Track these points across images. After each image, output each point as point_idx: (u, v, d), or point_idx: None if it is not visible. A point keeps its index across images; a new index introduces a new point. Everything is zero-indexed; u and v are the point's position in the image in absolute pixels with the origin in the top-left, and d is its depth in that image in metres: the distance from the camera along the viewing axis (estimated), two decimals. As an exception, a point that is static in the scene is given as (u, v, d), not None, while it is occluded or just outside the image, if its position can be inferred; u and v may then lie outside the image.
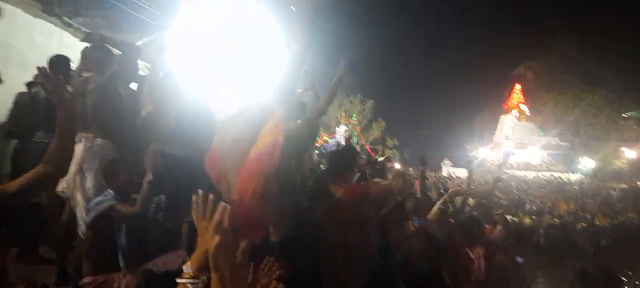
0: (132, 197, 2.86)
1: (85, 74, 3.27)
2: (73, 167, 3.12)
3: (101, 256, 2.81)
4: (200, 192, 1.46)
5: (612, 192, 24.60)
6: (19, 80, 4.44)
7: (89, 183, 3.13)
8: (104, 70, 3.26)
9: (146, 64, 3.85)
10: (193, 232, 3.13)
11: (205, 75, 2.97)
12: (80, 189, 3.14)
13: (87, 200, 3.11)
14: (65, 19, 8.40)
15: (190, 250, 2.88)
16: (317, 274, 2.92)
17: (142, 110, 3.31)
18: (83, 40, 3.51)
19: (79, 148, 3.15)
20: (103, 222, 2.79)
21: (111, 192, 2.89)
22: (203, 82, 3.00)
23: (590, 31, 40.06)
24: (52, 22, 8.28)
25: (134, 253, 2.81)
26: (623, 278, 2.28)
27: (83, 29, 8.13)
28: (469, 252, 3.30)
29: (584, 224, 14.07)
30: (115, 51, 3.63)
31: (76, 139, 3.19)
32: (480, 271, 3.18)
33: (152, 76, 3.49)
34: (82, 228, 3.12)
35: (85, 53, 3.41)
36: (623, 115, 37.42)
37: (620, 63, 36.96)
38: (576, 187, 26.46)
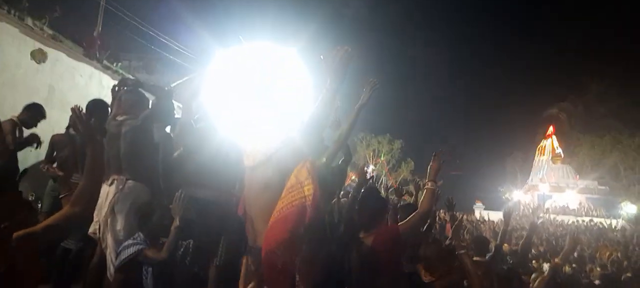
0: (161, 241, 2.84)
1: (119, 118, 3.35)
2: (105, 209, 3.15)
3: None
4: None
5: (657, 239, 23.28)
6: (60, 121, 4.60)
7: (120, 225, 3.14)
8: (138, 113, 3.33)
9: (179, 106, 3.91)
10: (221, 277, 3.09)
11: (236, 119, 2.98)
12: (111, 231, 3.15)
13: (118, 242, 3.11)
14: (105, 62, 8.80)
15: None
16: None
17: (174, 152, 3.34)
18: (118, 84, 3.61)
19: (111, 190, 3.18)
20: (131, 265, 2.77)
21: (141, 235, 2.89)
22: (234, 126, 3.00)
23: (627, 73, 39.17)
24: (92, 65, 8.69)
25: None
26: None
27: (121, 71, 8.47)
28: None
29: (629, 275, 13.22)
30: (149, 95, 3.71)
31: (108, 181, 3.24)
32: None
33: (184, 118, 3.53)
34: (110, 270, 3.10)
35: (119, 96, 3.50)
36: (665, 158, 35.87)
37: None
38: (618, 234, 25.16)
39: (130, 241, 2.84)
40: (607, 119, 38.42)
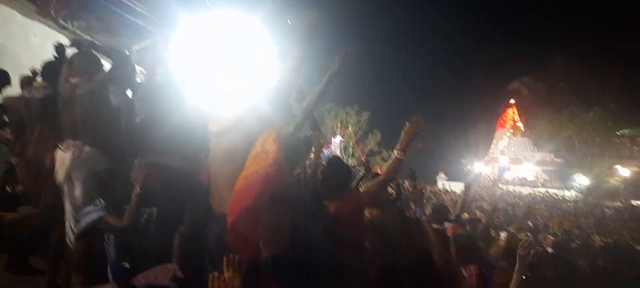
0: (124, 208, 2.79)
1: (72, 80, 3.18)
2: (61, 175, 3.04)
3: (90, 268, 2.73)
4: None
5: (606, 210, 24.70)
6: (14, 82, 4.38)
7: (78, 192, 3.05)
8: (92, 77, 3.17)
9: (142, 70, 3.78)
10: (185, 245, 3.08)
11: (201, 85, 2.92)
12: (69, 198, 3.05)
13: (76, 209, 3.03)
14: (62, 22, 8.36)
15: (182, 264, 2.82)
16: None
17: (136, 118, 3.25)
18: (70, 45, 3.40)
19: (67, 156, 3.07)
20: (92, 233, 2.72)
21: (102, 201, 2.82)
22: (198, 92, 2.95)
23: (586, 50, 40.58)
24: (47, 25, 8.24)
25: (123, 266, 2.74)
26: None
27: (79, 32, 8.10)
28: (463, 270, 3.25)
29: (578, 242, 14.03)
30: (105, 59, 3.55)
31: (63, 147, 3.12)
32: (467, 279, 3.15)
33: (147, 83, 3.43)
34: (69, 236, 3.03)
35: (72, 59, 3.32)
36: (617, 133, 37.71)
37: (615, 82, 37.42)
38: (571, 204, 26.54)
39: (90, 208, 2.77)
40: (565, 93, 39.85)
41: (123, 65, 3.31)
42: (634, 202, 28.48)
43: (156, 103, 3.18)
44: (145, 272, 2.68)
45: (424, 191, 5.84)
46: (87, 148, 3.08)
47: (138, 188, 2.76)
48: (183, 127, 2.98)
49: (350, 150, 43.73)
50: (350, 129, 43.48)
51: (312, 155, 3.73)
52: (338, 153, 40.51)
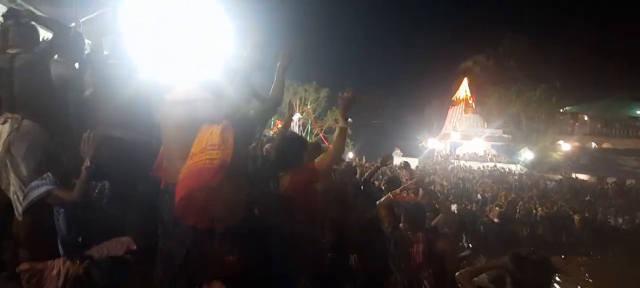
0: (73, 182, 2.73)
1: (10, 51, 3.04)
2: (1, 150, 2.94)
3: (39, 242, 2.68)
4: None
5: (548, 182, 26.21)
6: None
7: (23, 167, 2.96)
8: (31, 48, 3.04)
9: (89, 43, 3.65)
10: (138, 218, 3.07)
11: (153, 57, 2.88)
12: (14, 172, 2.96)
13: (24, 183, 2.95)
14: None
15: (136, 236, 2.82)
16: (264, 264, 2.93)
17: (84, 91, 3.17)
18: (7, 15, 3.22)
19: (5, 130, 2.96)
20: (40, 207, 2.66)
21: (50, 175, 2.75)
22: (151, 64, 2.91)
23: (534, 28, 42.28)
24: (-14, -6, 7.70)
25: (75, 240, 2.71)
26: (556, 265, 2.46)
27: (20, 2, 7.61)
28: (410, 234, 3.42)
29: (522, 213, 14.86)
30: (45, 29, 3.40)
31: (1, 120, 3.01)
32: (418, 255, 3.32)
33: (95, 56, 3.34)
34: (17, 210, 2.96)
35: (8, 29, 3.16)
36: (560, 110, 39.75)
37: (559, 61, 39.30)
38: (516, 178, 27.91)
39: (37, 181, 2.69)
40: (514, 71, 41.40)
41: (64, 36, 3.19)
42: (574, 175, 30.38)
43: (105, 75, 3.10)
44: (98, 245, 2.67)
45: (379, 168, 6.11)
46: (25, 122, 2.98)
47: (88, 162, 2.70)
48: (134, 99, 2.94)
49: (309, 127, 43.84)
50: (309, 106, 43.47)
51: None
52: (296, 130, 40.61)
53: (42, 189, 2.65)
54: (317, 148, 4.14)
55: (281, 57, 3.01)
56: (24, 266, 2.58)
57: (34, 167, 2.95)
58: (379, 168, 6.81)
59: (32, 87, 3.00)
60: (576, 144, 38.12)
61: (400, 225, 3.43)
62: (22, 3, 7.50)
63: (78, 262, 2.45)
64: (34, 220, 2.65)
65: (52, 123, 3.07)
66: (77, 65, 3.45)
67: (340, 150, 3.12)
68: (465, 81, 49.05)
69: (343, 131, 3.07)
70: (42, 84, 3.03)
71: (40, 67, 3.01)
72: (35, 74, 3.00)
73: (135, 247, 2.68)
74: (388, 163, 5.40)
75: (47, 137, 3.02)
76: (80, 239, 2.76)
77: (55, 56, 3.30)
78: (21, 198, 2.88)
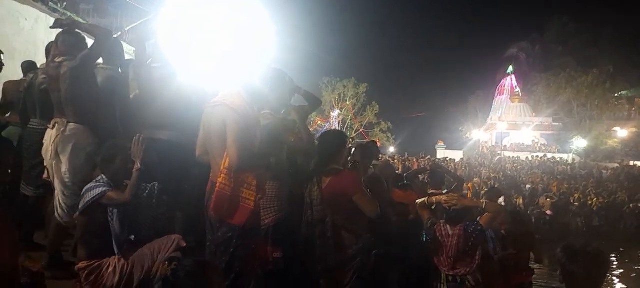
0: (125, 183, 2.85)
1: (57, 60, 3.24)
2: (49, 152, 3.13)
3: (95, 241, 2.81)
4: None
5: (603, 171, 24.89)
6: (6, 67, 4.39)
7: (64, 168, 3.14)
8: (76, 55, 3.22)
9: (133, 48, 3.80)
10: (187, 217, 3.16)
11: (194, 60, 2.95)
12: (57, 174, 3.15)
13: (64, 184, 3.15)
14: (51, 4, 8.26)
15: (185, 234, 2.91)
16: (307, 258, 2.95)
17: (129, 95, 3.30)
18: (53, 26, 3.43)
19: (53, 133, 3.15)
20: (96, 207, 2.79)
21: (104, 177, 2.89)
22: (192, 67, 2.98)
23: (582, 12, 40.24)
24: (37, 8, 8.15)
25: (128, 239, 2.83)
26: (610, 257, 2.33)
27: (69, 13, 8.01)
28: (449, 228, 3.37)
29: (577, 204, 14.22)
30: (89, 37, 3.58)
31: (51, 125, 3.21)
32: (452, 248, 3.25)
33: (139, 60, 3.46)
34: (58, 212, 3.15)
35: (57, 39, 3.37)
36: (615, 95, 37.66)
37: (611, 44, 37.17)
38: (568, 168, 26.70)
39: (92, 184, 2.83)
40: (563, 57, 39.54)
41: (105, 42, 3.34)
42: (632, 163, 28.70)
43: (149, 79, 3.22)
44: (149, 243, 2.77)
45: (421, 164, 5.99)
46: (71, 125, 3.16)
47: (138, 164, 2.82)
48: (181, 102, 3.03)
49: (349, 123, 43.74)
50: (348, 102, 43.37)
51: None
52: (336, 127, 40.64)
53: (97, 191, 2.78)
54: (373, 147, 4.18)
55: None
56: (82, 264, 2.72)
57: (78, 168, 3.13)
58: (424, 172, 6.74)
59: (77, 92, 3.18)
60: (633, 129, 36.00)
61: (441, 221, 3.37)
62: (71, 14, 7.90)
63: (166, 263, 2.56)
64: (89, 221, 2.78)
65: (98, 126, 3.23)
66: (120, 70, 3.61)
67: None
68: (510, 69, 47.42)
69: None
70: (85, 88, 3.19)
71: (83, 72, 3.18)
72: (78, 78, 3.17)
73: (184, 244, 2.77)
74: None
75: (94, 140, 3.18)
76: (132, 237, 2.88)
77: (100, 61, 3.46)
78: (62, 199, 3.08)
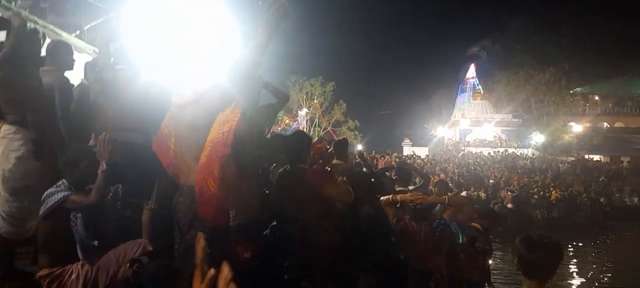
0: (88, 188, 2.78)
1: None
2: None
3: (58, 248, 2.73)
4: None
5: (560, 165, 25.98)
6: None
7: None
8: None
9: (95, 49, 3.69)
10: (154, 220, 3.11)
11: (160, 60, 2.90)
12: None
13: (7, 190, 3.07)
14: (3, 2, 7.87)
15: (151, 238, 2.86)
16: (280, 256, 2.95)
17: (88, 96, 3.21)
18: None
19: None
20: (58, 212, 2.71)
21: (64, 182, 2.80)
22: (158, 67, 2.93)
23: (541, 11, 41.78)
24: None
25: (92, 244, 2.76)
26: (566, 247, 2.48)
27: (22, 11, 7.65)
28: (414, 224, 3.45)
29: (536, 197, 14.76)
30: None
31: None
32: (420, 242, 3.35)
33: (102, 62, 3.38)
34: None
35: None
36: (570, 91, 39.30)
37: (567, 42, 38.77)
38: (528, 162, 27.70)
39: (53, 189, 2.74)
40: (522, 55, 40.92)
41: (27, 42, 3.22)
42: (587, 156, 30.08)
43: (113, 80, 3.14)
44: (115, 248, 2.71)
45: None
46: (4, 127, 3.06)
47: (104, 165, 2.74)
48: (144, 103, 2.97)
49: (317, 121, 43.89)
50: (315, 100, 43.51)
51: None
52: (304, 125, 40.68)
53: (59, 195, 2.69)
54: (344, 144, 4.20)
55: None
56: (44, 272, 2.63)
57: (7, 172, 3.05)
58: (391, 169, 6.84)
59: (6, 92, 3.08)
60: (588, 124, 37.78)
61: (406, 217, 3.46)
62: (26, 14, 7.56)
63: (128, 265, 2.49)
64: (52, 227, 2.69)
65: (35, 128, 3.11)
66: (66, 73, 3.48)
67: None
68: (472, 67, 48.68)
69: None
70: (13, 87, 3.08)
71: (8, 71, 3.05)
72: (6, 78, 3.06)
73: (151, 248, 2.72)
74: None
75: (27, 143, 3.08)
76: (96, 242, 2.81)
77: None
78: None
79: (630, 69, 40.30)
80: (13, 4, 7.96)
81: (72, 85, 3.44)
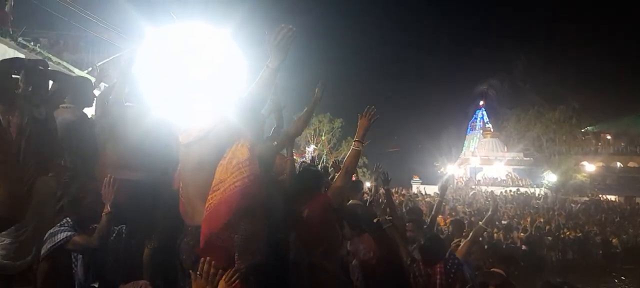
0: (91, 227, 2.71)
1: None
2: None
3: (57, 288, 2.64)
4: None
5: (573, 205, 25.48)
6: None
7: None
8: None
9: (105, 85, 3.69)
10: (156, 261, 3.01)
11: (169, 97, 2.88)
12: None
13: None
14: (21, 40, 8.06)
15: (153, 279, 2.76)
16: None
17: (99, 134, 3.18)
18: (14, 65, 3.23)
19: None
20: (59, 253, 2.63)
21: (69, 221, 2.74)
22: (166, 105, 2.90)
23: (548, 51, 42.09)
24: (5, 44, 7.93)
25: (92, 286, 2.66)
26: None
27: (38, 49, 7.83)
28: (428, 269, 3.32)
29: (550, 238, 14.41)
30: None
31: None
32: (435, 286, 3.22)
33: (113, 99, 3.36)
34: None
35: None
36: (581, 130, 38.98)
37: (578, 81, 38.79)
38: (541, 201, 27.21)
39: (56, 228, 2.68)
40: (531, 94, 40.92)
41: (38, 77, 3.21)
42: (601, 196, 29.51)
43: (121, 117, 3.11)
44: (115, 289, 2.62)
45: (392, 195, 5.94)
46: None
47: (109, 207, 2.68)
48: (150, 141, 2.93)
49: (324, 157, 43.81)
50: (323, 136, 43.56)
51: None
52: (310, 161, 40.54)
53: (62, 235, 2.63)
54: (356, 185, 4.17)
55: (319, 88, 3.10)
56: (42, 314, 2.54)
57: None
58: (390, 193, 6.71)
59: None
60: (601, 164, 37.24)
61: (419, 260, 3.34)
62: (41, 51, 7.72)
63: None
64: (52, 267, 2.62)
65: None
66: (85, 110, 3.46)
67: (350, 172, 3.08)
68: (481, 105, 48.72)
69: (356, 153, 3.09)
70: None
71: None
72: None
73: (152, 290, 2.62)
74: (389, 180, 5.33)
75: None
76: (97, 285, 2.72)
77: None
78: None
79: (638, 108, 40.09)
80: (30, 43, 8.17)
81: (91, 123, 3.42)
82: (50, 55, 6.72)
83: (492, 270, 3.96)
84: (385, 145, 50.31)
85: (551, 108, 37.10)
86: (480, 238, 4.11)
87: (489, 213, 4.55)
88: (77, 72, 6.09)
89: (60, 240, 2.62)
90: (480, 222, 4.53)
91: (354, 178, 5.20)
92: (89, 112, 3.56)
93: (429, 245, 3.41)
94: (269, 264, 2.75)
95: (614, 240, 14.61)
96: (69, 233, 2.65)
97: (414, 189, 35.33)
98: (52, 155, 3.03)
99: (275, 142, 3.02)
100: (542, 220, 17.79)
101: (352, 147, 3.13)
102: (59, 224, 2.74)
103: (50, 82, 3.25)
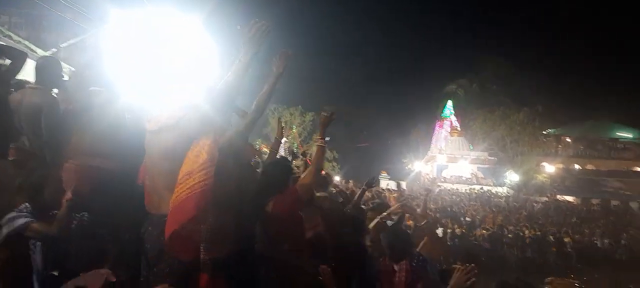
0: (51, 213, 2.62)
1: None
2: None
3: (13, 278, 2.55)
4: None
5: (534, 204, 26.41)
6: None
7: None
8: None
9: (71, 69, 3.56)
10: (122, 250, 2.95)
11: (137, 84, 2.81)
12: None
13: None
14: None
15: (116, 268, 2.70)
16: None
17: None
18: None
19: None
20: (17, 240, 2.53)
21: (28, 206, 2.64)
22: (133, 90, 2.84)
23: (515, 53, 43.28)
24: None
25: (51, 275, 2.58)
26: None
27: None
28: (394, 265, 3.37)
29: (510, 236, 14.87)
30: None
31: None
32: (401, 283, 3.27)
33: (77, 84, 3.26)
34: None
35: None
36: (543, 132, 40.35)
37: (543, 85, 40.15)
38: (503, 200, 28.04)
39: (14, 213, 2.58)
40: (498, 95, 42.06)
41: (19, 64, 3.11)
42: (559, 197, 30.69)
43: (85, 103, 3.01)
44: (75, 279, 2.54)
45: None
46: None
47: (70, 194, 2.59)
48: (115, 127, 2.86)
49: (295, 150, 43.75)
50: (294, 129, 43.49)
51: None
52: (281, 154, 40.42)
53: (19, 221, 2.53)
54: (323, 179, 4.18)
55: (279, 59, 2.89)
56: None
57: None
58: (364, 192, 6.76)
59: None
60: (560, 165, 38.64)
61: (385, 256, 3.40)
62: (1, 30, 7.38)
63: None
64: (9, 255, 2.52)
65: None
66: (55, 91, 3.33)
67: (319, 169, 3.11)
68: (449, 104, 49.63)
69: (321, 149, 3.13)
70: None
71: None
72: None
73: (114, 279, 2.56)
74: (374, 185, 5.46)
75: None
76: (56, 273, 2.64)
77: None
78: None
79: (598, 114, 42.00)
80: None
81: (59, 106, 3.30)
82: (10, 34, 6.41)
83: (453, 266, 4.05)
84: (356, 140, 50.72)
85: (516, 110, 38.20)
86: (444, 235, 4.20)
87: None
88: (41, 52, 5.84)
89: (17, 227, 2.53)
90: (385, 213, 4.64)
91: (322, 173, 5.22)
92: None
93: (396, 241, 3.46)
94: (238, 257, 2.74)
95: (567, 240, 15.23)
96: (27, 219, 2.56)
97: (382, 184, 35.75)
98: (6, 135, 2.92)
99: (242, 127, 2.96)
100: (500, 218, 18.37)
101: (316, 144, 3.18)
102: (17, 209, 2.64)
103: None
